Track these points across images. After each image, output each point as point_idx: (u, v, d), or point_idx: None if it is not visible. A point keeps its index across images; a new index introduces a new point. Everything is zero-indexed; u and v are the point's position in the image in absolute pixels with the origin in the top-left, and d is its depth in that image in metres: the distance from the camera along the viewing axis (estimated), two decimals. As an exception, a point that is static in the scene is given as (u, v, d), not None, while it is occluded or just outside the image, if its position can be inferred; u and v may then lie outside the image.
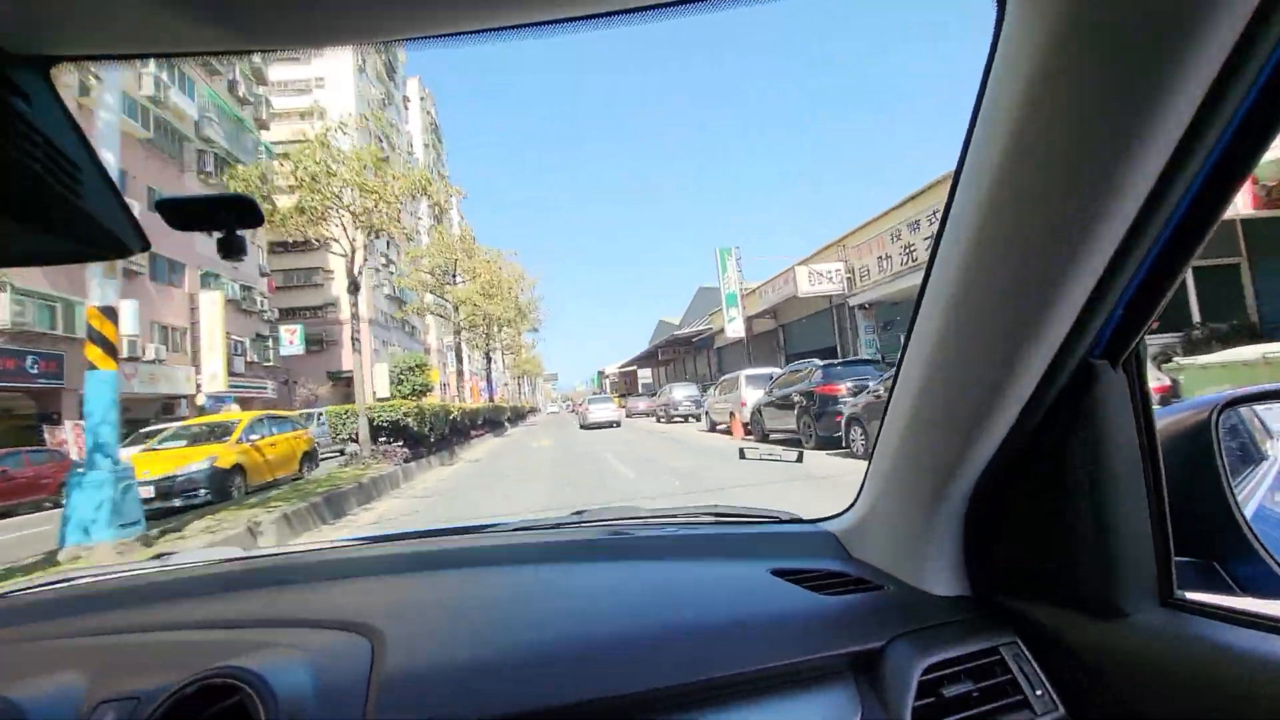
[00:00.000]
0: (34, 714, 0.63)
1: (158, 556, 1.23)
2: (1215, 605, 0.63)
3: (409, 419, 11.17)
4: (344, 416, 11.20)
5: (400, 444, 10.94)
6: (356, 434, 10.67)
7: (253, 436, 9.62)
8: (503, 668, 0.68)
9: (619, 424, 23.74)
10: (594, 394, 37.22)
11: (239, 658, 0.67)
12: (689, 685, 0.67)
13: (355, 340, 10.66)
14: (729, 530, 1.19)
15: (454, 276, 23.45)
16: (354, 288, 10.59)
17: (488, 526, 1.29)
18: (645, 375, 72.20)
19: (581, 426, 24.44)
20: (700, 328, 37.33)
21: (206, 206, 0.64)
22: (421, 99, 63.53)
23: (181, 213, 0.64)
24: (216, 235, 0.66)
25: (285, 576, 1.00)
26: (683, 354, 46.51)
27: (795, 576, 0.89)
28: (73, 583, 1.06)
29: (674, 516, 1.27)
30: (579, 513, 1.33)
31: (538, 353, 72.51)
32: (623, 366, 71.58)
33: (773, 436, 11.54)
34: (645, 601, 0.85)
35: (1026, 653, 0.74)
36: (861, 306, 16.85)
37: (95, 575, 1.09)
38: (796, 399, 10.66)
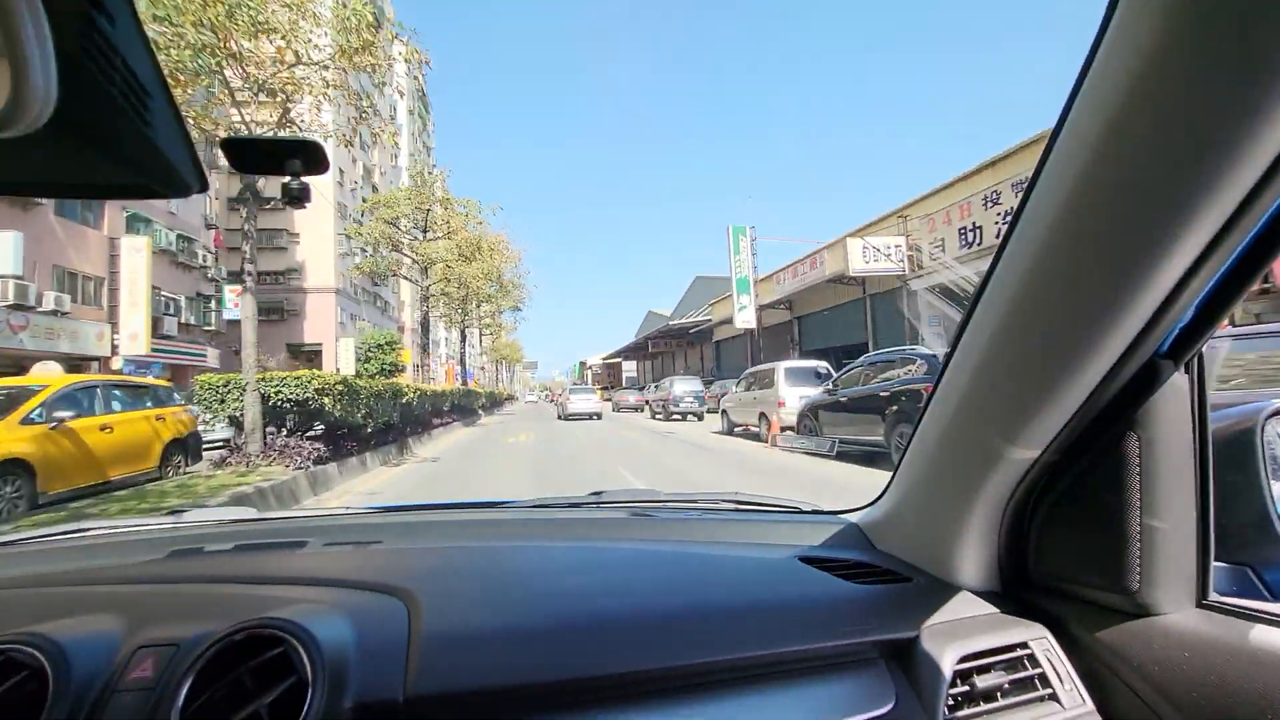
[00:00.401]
0: (76, 656, 0.64)
1: (171, 513, 1.21)
2: (1250, 608, 0.64)
3: (325, 399, 7.06)
4: (222, 389, 7.02)
5: (313, 436, 6.87)
6: (242, 416, 6.49)
7: (62, 414, 5.64)
8: (533, 637, 0.70)
9: (600, 415, 22.64)
10: (575, 384, 36.36)
11: (276, 611, 0.68)
12: (723, 662, 0.69)
13: (247, 274, 6.58)
14: (752, 518, 1.19)
15: (424, 231, 19.10)
16: (251, 195, 6.48)
17: (505, 503, 1.30)
18: (630, 368, 69.09)
19: (561, 417, 23.12)
20: (698, 318, 33.62)
21: (272, 149, 0.64)
22: (406, 60, 58.38)
23: (245, 153, 0.65)
24: (281, 181, 0.63)
25: (306, 538, 1.00)
26: (675, 347, 42.84)
27: (823, 564, 0.89)
28: (86, 533, 1.07)
29: (694, 502, 1.28)
30: (597, 493, 1.31)
31: (517, 338, 68.17)
32: (606, 358, 68.32)
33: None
34: (674, 579, 0.87)
35: (1057, 648, 0.76)
36: (936, 289, 12.96)
37: (109, 527, 1.09)
38: (884, 402, 7.87)
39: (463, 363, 26.34)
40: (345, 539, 1.01)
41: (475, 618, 0.74)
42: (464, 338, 25.83)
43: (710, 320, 32.19)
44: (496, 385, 59.82)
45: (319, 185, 17.27)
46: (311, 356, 36.42)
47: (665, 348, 42.57)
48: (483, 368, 37.83)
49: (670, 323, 34.65)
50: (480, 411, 23.64)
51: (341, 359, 39.61)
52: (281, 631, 0.64)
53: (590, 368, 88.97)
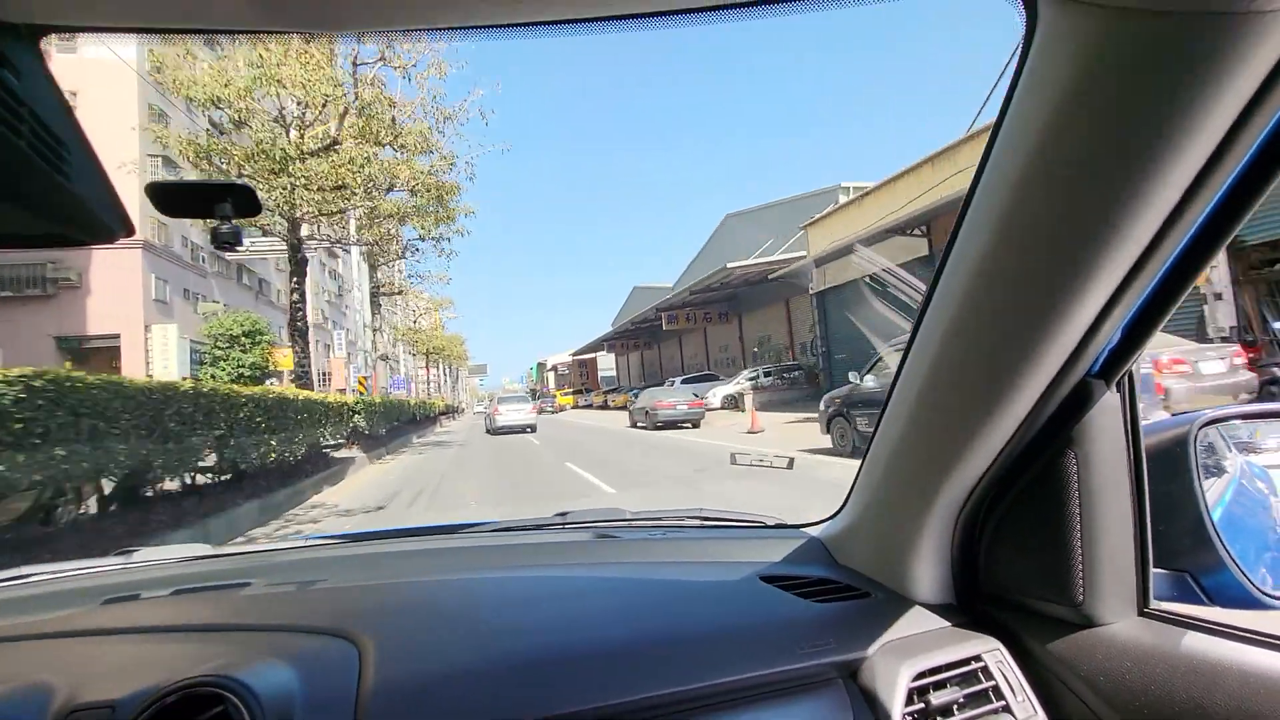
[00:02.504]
0: None
1: (121, 553, 1.23)
2: (1187, 615, 0.75)
3: None
4: None
5: None
6: None
7: None
8: (492, 677, 0.75)
9: (534, 428, 20.35)
10: (506, 393, 32.21)
11: (220, 663, 0.72)
12: (682, 693, 0.75)
13: None
14: (716, 535, 1.30)
15: None
16: None
17: (467, 526, 1.37)
18: (607, 365, 55.97)
19: (489, 431, 20.70)
20: (779, 257, 19.22)
21: (200, 192, 0.66)
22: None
23: (172, 198, 0.66)
24: (211, 224, 0.66)
25: (259, 577, 1.05)
26: (701, 322, 28.39)
27: (784, 583, 0.99)
28: (27, 580, 1.10)
29: (660, 520, 1.37)
30: (562, 514, 1.42)
31: (457, 330, 53.70)
32: (578, 353, 55.30)
33: None
34: (635, 607, 0.93)
35: (1009, 659, 0.84)
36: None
37: (52, 573, 1.12)
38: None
39: (295, 330, 11.01)
40: (291, 577, 1.06)
41: (429, 660, 0.77)
42: (298, 264, 10.52)
43: (802, 258, 17.91)
44: (429, 393, 44.22)
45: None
46: (113, 355, 22.88)
47: (687, 324, 28.92)
48: (383, 356, 22.73)
49: (730, 266, 20.52)
50: (363, 455, 12.69)
51: (159, 358, 23.96)
52: (220, 688, 0.66)
53: (554, 369, 77.00)
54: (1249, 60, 0.44)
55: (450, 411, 48.45)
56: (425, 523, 1.39)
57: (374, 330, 23.35)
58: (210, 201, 0.64)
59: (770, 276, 22.89)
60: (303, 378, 13.09)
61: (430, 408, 32.73)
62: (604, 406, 40.51)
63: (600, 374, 60.97)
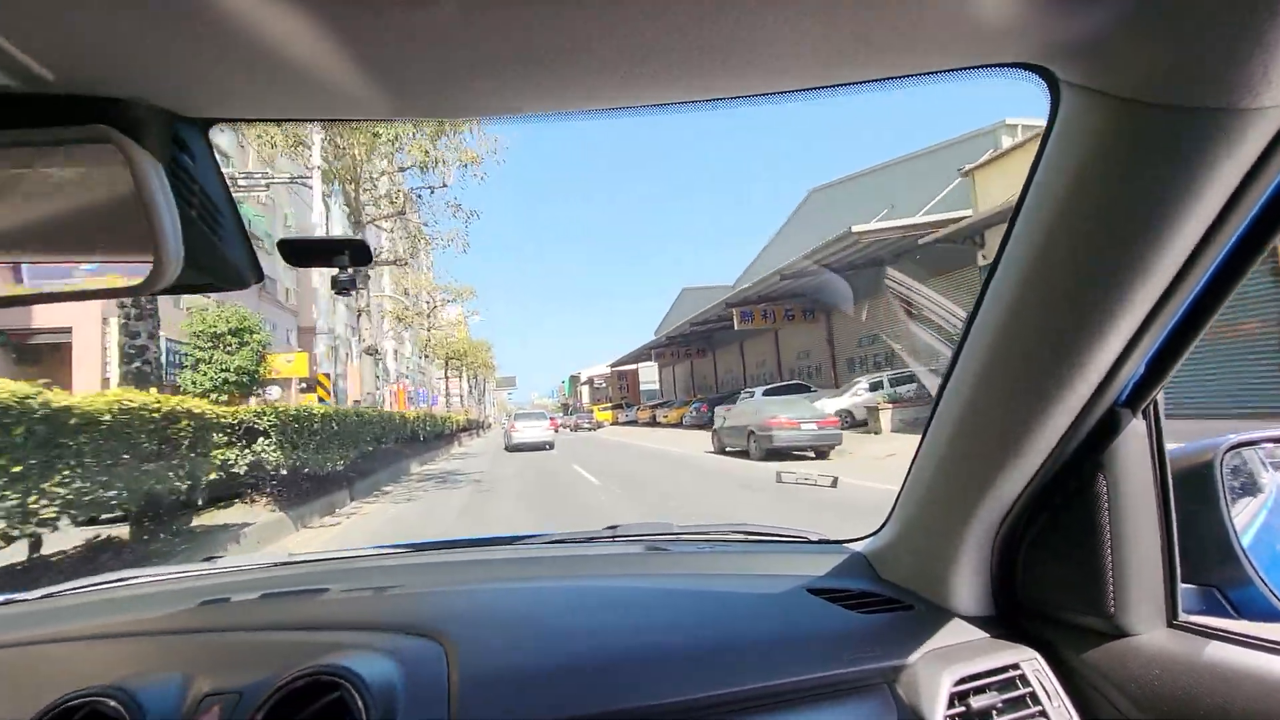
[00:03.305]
0: (149, 706, 0.76)
1: (206, 559, 1.52)
2: (1214, 627, 0.82)
3: None
4: None
5: None
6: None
7: None
8: (561, 675, 0.85)
9: (552, 445, 21.32)
10: (523, 410, 29.96)
11: (325, 657, 0.82)
12: (734, 694, 0.83)
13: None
14: (762, 549, 1.43)
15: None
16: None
17: (524, 538, 1.51)
18: (649, 377, 50.96)
19: (507, 448, 21.45)
20: (926, 219, 12.92)
21: (323, 246, 0.76)
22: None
23: (299, 251, 0.75)
24: (331, 272, 0.68)
25: (336, 583, 1.19)
26: (782, 318, 22.71)
27: (829, 595, 1.09)
28: (127, 583, 1.23)
29: (706, 534, 1.50)
30: (612, 527, 1.56)
31: (483, 337, 49.49)
32: (617, 364, 50.13)
33: None
34: (687, 615, 1.03)
35: (1046, 668, 0.92)
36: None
37: (148, 577, 1.27)
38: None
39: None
40: (367, 583, 1.20)
41: (507, 658, 0.89)
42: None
43: (966, 216, 12.12)
44: (447, 404, 39.41)
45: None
46: (65, 355, 18.32)
47: (764, 323, 24.18)
48: (370, 349, 17.41)
49: (857, 230, 15.08)
50: (281, 516, 7.11)
51: (118, 357, 16.83)
52: (338, 677, 0.76)
53: (589, 382, 72.04)
54: (1241, 145, 0.53)
55: (474, 427, 44.58)
56: (486, 535, 1.56)
57: (360, 310, 16.64)
58: (331, 254, 0.72)
59: (919, 240, 16.76)
60: (145, 367, 7.57)
61: (444, 423, 28.28)
62: (652, 423, 37.49)
63: (641, 387, 59.25)
